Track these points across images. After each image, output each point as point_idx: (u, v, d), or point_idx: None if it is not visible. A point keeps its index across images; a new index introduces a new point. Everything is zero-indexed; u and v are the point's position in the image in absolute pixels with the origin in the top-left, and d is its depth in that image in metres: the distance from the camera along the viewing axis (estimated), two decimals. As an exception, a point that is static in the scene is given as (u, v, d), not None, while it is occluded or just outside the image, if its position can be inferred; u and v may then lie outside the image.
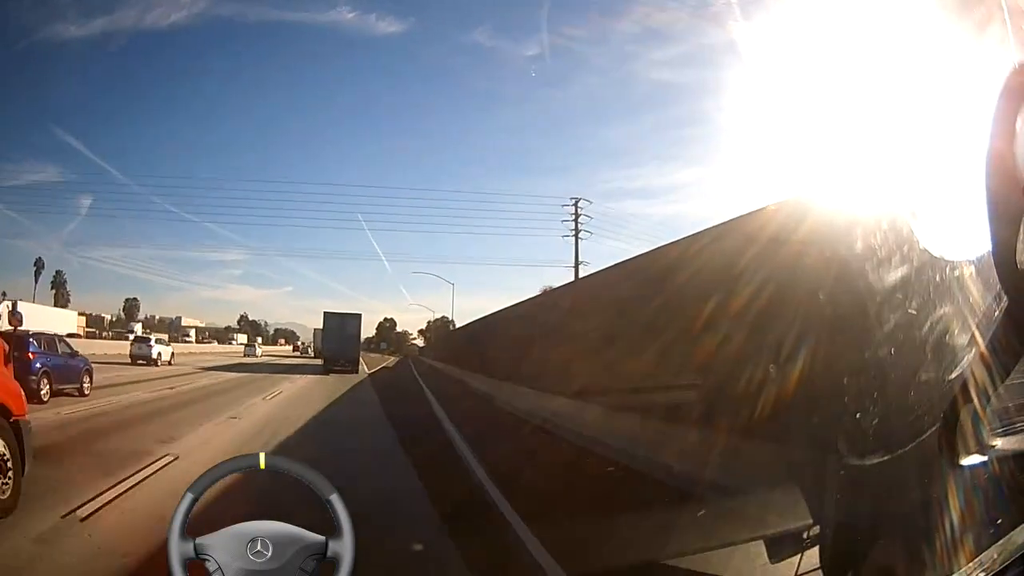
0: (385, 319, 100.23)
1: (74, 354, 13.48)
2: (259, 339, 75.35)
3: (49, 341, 12.81)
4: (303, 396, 16.94)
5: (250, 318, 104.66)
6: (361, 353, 34.63)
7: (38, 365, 11.47)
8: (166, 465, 6.59)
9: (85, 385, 13.27)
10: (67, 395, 12.37)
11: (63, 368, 12.52)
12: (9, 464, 4.38)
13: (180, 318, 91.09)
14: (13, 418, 4.57)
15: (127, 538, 4.17)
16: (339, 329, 31.47)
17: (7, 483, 4.34)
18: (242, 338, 70.53)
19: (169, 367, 26.29)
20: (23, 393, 4.95)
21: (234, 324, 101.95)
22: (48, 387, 11.61)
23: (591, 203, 32.03)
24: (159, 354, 27.60)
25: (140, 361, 26.47)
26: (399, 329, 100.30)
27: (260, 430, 10.09)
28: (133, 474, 5.95)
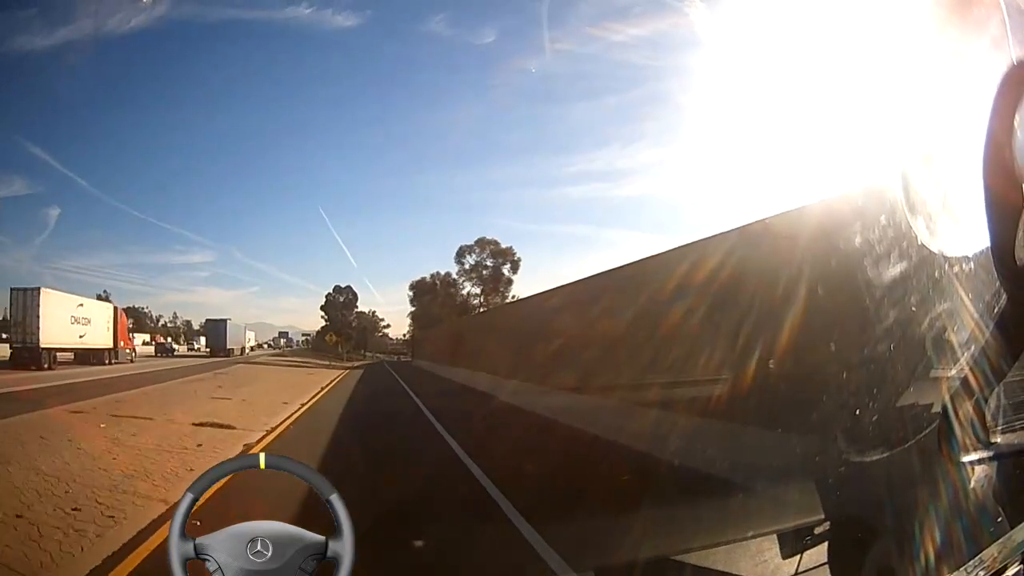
0: (336, 288, 50.60)
1: (170, 345, 41.86)
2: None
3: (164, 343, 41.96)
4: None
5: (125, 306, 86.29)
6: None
7: (165, 348, 39.48)
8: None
9: (175, 356, 39.14)
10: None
11: (169, 349, 40.31)
12: (127, 350, 27.00)
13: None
14: (130, 347, 27.53)
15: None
16: (215, 329, 45.86)
17: (133, 356, 27.54)
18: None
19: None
20: (135, 347, 29.54)
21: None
22: (165, 355, 37.06)
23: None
24: (197, 347, 56.16)
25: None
26: (361, 307, 60.56)
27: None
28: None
